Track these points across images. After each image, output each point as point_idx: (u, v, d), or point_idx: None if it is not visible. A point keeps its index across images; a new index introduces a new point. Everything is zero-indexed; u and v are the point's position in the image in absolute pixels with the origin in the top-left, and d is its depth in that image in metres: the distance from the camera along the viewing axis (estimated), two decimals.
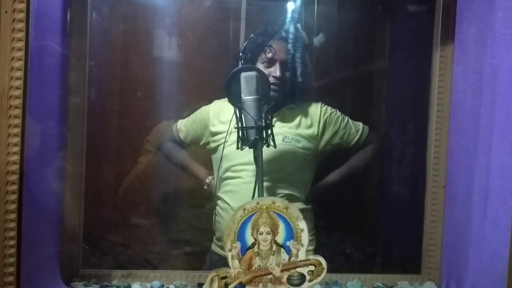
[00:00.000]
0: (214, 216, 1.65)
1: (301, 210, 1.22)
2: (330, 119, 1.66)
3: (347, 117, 1.69)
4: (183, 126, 1.71)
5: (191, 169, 1.74)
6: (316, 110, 1.66)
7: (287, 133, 1.60)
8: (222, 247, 1.63)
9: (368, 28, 2.03)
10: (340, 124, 1.67)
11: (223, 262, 1.57)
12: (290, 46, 1.61)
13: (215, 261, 1.66)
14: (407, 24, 1.91)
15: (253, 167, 1.48)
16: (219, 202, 1.64)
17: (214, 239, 1.68)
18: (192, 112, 1.71)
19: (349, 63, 2.08)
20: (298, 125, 1.63)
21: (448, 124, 1.52)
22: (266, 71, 1.55)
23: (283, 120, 1.62)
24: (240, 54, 1.63)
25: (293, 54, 1.62)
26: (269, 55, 1.57)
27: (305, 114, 1.65)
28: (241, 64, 1.61)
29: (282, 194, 1.56)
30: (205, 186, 1.69)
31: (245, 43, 1.63)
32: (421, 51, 1.64)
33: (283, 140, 1.58)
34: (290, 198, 1.56)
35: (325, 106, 1.68)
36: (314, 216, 1.66)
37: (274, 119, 1.53)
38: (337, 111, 1.69)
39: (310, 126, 1.64)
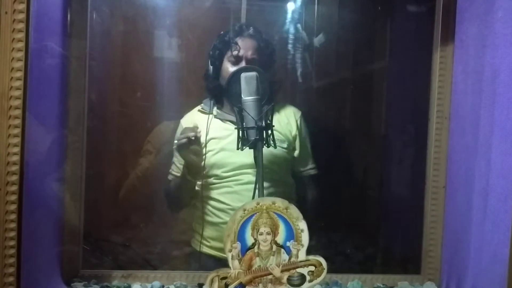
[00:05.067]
0: (204, 216, 1.64)
1: None
2: (301, 123, 1.67)
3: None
4: (177, 162, 1.64)
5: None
6: (291, 111, 1.67)
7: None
8: (214, 248, 1.63)
9: (368, 29, 2.03)
10: (304, 139, 1.67)
11: (214, 262, 1.59)
12: (259, 43, 1.60)
13: (205, 262, 1.65)
14: (407, 24, 1.91)
15: (248, 170, 1.48)
16: (212, 203, 1.63)
17: (202, 240, 1.65)
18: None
19: (349, 63, 2.08)
20: (280, 126, 1.63)
21: (448, 124, 1.51)
22: (232, 68, 1.54)
23: None
24: (210, 52, 1.62)
25: (263, 52, 1.60)
26: (235, 52, 1.56)
27: (283, 115, 1.66)
28: (210, 62, 1.62)
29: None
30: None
31: (214, 41, 1.63)
32: (421, 51, 1.63)
33: None
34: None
35: (299, 111, 1.69)
36: (314, 216, 1.66)
37: None
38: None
39: (288, 127, 1.64)
